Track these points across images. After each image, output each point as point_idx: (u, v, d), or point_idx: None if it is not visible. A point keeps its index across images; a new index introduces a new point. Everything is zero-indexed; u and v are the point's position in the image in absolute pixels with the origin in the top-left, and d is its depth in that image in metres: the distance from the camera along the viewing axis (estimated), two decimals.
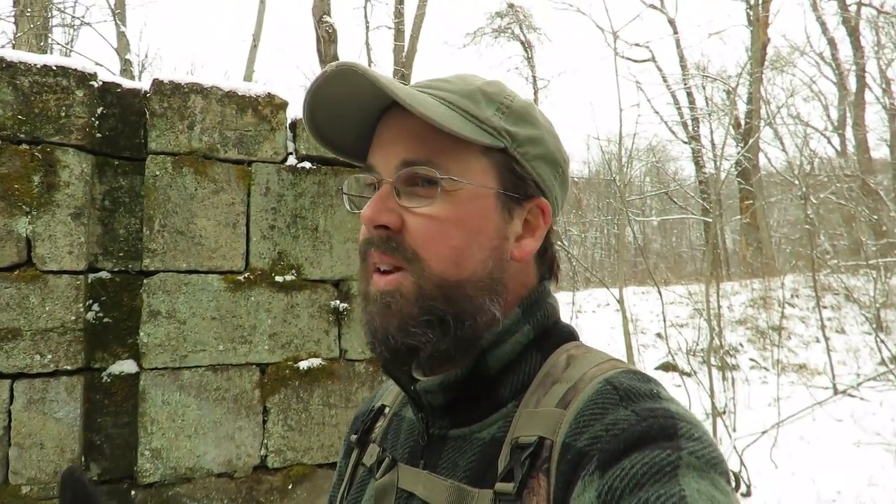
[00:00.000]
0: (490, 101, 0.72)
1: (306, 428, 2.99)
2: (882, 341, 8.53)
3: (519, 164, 0.72)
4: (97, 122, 2.89)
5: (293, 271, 3.07)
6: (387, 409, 0.88)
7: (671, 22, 19.21)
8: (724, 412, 6.99)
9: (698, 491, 0.49)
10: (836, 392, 7.72)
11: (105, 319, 2.85)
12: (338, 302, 3.14)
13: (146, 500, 2.69)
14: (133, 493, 2.71)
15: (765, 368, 9.22)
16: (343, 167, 3.24)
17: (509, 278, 0.73)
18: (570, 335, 0.76)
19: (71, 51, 11.99)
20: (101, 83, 2.93)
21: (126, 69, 11.49)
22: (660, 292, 7.19)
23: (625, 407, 0.59)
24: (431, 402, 0.72)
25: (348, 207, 0.81)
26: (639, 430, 0.55)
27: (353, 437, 0.89)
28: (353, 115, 0.74)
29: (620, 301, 6.80)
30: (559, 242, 0.86)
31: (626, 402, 0.59)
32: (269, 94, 3.12)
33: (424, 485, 0.69)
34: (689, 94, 19.01)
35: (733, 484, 0.59)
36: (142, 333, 2.77)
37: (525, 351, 0.72)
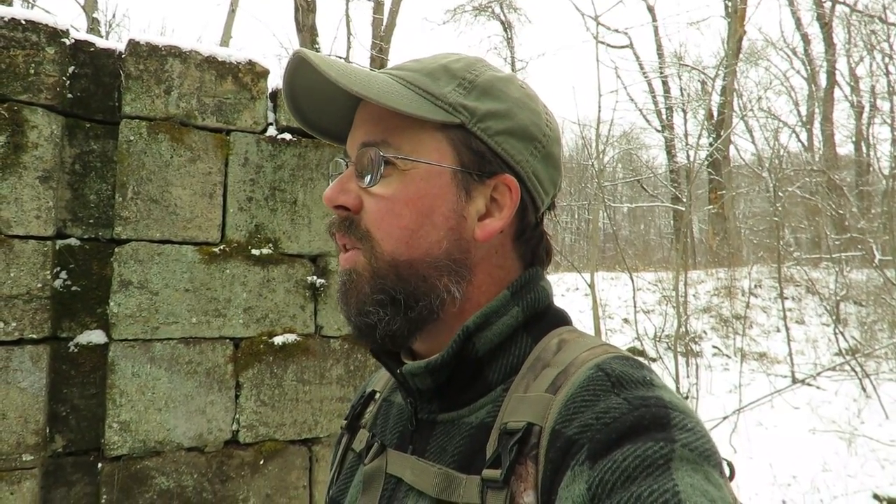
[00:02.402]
0: (451, 77, 0.70)
1: (279, 404, 2.96)
2: (840, 333, 8.82)
3: (479, 141, 0.69)
4: (68, 82, 2.77)
5: (270, 245, 3.01)
6: (377, 395, 0.87)
7: (650, 9, 19.27)
8: (687, 397, 7.16)
9: (692, 486, 0.48)
10: (794, 381, 7.97)
11: (73, 288, 2.75)
12: (315, 277, 3.10)
13: (113, 473, 2.63)
14: (100, 465, 2.65)
15: (727, 356, 9.46)
16: (325, 141, 3.16)
17: (477, 259, 0.71)
18: (562, 319, 0.75)
19: (34, 5, 11.50)
20: (73, 41, 2.80)
21: (93, 28, 11.07)
22: (632, 278, 7.29)
23: (616, 394, 0.57)
24: (419, 386, 0.70)
25: None
26: (631, 420, 0.54)
27: (344, 422, 0.88)
28: (336, 100, 0.74)
29: (591, 286, 6.87)
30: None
31: (618, 390, 0.58)
32: (250, 61, 3.02)
33: (412, 470, 0.68)
34: (665, 83, 19.17)
35: (727, 473, 0.58)
36: (112, 303, 2.69)
37: (514, 334, 0.70)
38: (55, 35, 2.68)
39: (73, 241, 2.77)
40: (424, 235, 0.68)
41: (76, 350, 2.73)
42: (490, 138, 0.70)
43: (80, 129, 2.81)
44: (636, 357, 0.66)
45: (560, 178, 0.79)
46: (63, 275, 2.73)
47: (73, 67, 2.79)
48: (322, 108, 0.76)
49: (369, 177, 0.69)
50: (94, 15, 11.42)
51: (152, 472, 2.69)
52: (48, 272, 2.63)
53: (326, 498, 0.84)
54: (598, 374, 0.60)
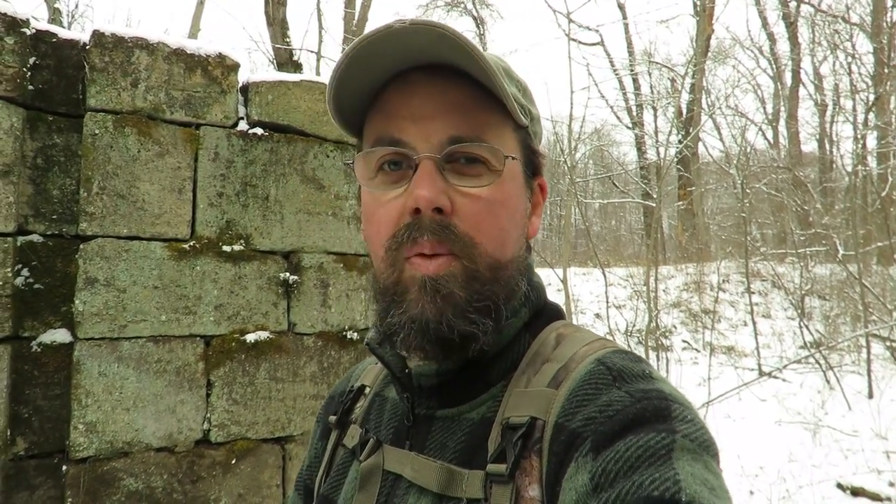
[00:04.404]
0: (510, 78, 0.71)
1: (252, 402, 2.91)
2: (805, 326, 9.02)
3: (533, 142, 0.73)
4: (29, 74, 2.67)
5: (241, 241, 2.96)
6: (367, 390, 0.86)
7: (621, 7, 19.44)
8: None
9: (692, 474, 0.49)
10: (761, 374, 8.13)
11: (36, 286, 2.67)
12: (287, 274, 3.05)
13: (79, 476, 2.56)
14: (64, 468, 2.58)
15: (696, 350, 9.61)
16: (297, 135, 3.12)
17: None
18: (557, 314, 0.76)
19: None
20: (33, 31, 2.71)
21: (55, 19, 10.75)
22: (604, 274, 7.35)
23: (618, 388, 0.58)
24: (423, 384, 0.70)
25: (365, 181, 0.70)
26: (633, 412, 0.55)
27: (333, 417, 0.86)
28: (364, 80, 0.66)
29: (564, 281, 6.92)
30: None
31: (620, 383, 0.59)
32: (220, 54, 2.96)
33: (412, 466, 0.68)
34: (635, 81, 19.37)
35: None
36: (77, 301, 2.62)
37: (518, 333, 0.71)
38: (14, 24, 2.59)
39: (35, 238, 2.68)
40: (511, 236, 0.68)
41: (39, 350, 2.64)
42: (536, 140, 0.73)
43: (43, 123, 2.72)
44: (632, 351, 0.67)
45: None
46: (25, 272, 2.65)
47: (34, 58, 2.70)
48: (361, 92, 0.67)
49: (474, 178, 0.65)
50: (56, 5, 11.09)
51: (120, 474, 2.62)
52: (9, 269, 2.55)
53: (316, 495, 0.82)
54: (600, 368, 0.61)
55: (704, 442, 0.53)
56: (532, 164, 0.73)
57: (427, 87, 0.65)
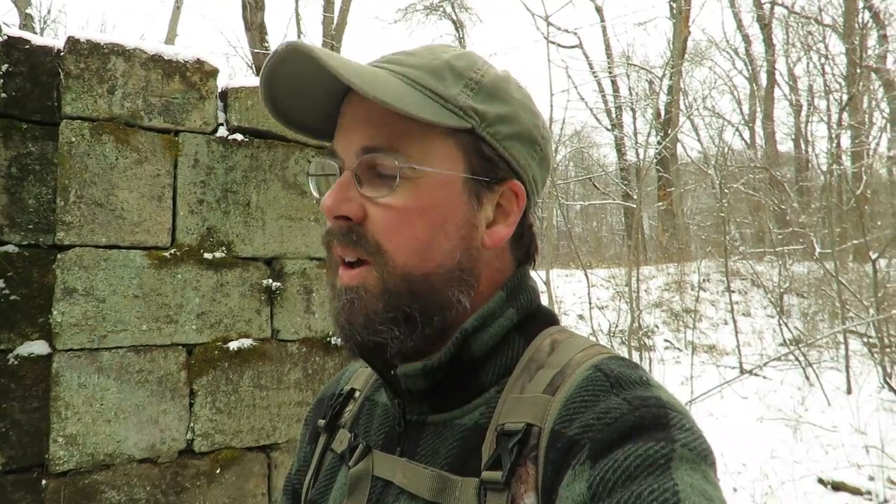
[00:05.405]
0: (458, 77, 0.67)
1: (236, 410, 2.88)
2: (784, 324, 9.15)
3: (489, 146, 0.67)
4: (2, 81, 2.63)
5: (223, 248, 2.93)
6: (357, 393, 0.84)
7: (598, 10, 19.61)
8: None
9: (691, 485, 0.49)
10: (742, 371, 8.23)
11: (12, 297, 2.62)
12: (270, 281, 3.03)
13: (59, 490, 2.52)
14: (44, 482, 2.53)
15: (678, 349, 9.70)
16: (278, 141, 3.10)
17: (482, 266, 0.69)
18: (551, 319, 0.74)
19: None
20: (5, 38, 2.67)
21: (26, 24, 10.57)
22: (586, 275, 7.39)
23: (616, 394, 0.57)
24: (411, 388, 0.68)
25: (315, 193, 0.75)
26: (631, 420, 0.54)
27: (321, 421, 0.84)
28: (317, 93, 0.69)
29: (547, 283, 6.95)
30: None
31: (617, 390, 0.58)
32: (198, 59, 2.93)
33: (404, 472, 0.66)
34: (614, 83, 19.54)
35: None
36: (55, 312, 2.57)
37: (508, 335, 0.69)
38: None
39: (10, 248, 2.63)
40: (438, 246, 0.65)
41: (16, 362, 2.59)
42: (499, 143, 0.68)
43: (17, 131, 2.68)
44: (628, 357, 0.66)
45: (548, 177, 0.79)
46: (0, 283, 2.59)
47: (6, 65, 2.65)
48: (300, 101, 0.71)
49: (383, 188, 0.64)
50: (27, 11, 10.91)
51: (102, 487, 2.58)
52: None
53: (304, 500, 0.81)
54: (597, 374, 0.60)
55: (703, 451, 0.53)
56: (489, 169, 0.68)
57: (357, 98, 0.67)
